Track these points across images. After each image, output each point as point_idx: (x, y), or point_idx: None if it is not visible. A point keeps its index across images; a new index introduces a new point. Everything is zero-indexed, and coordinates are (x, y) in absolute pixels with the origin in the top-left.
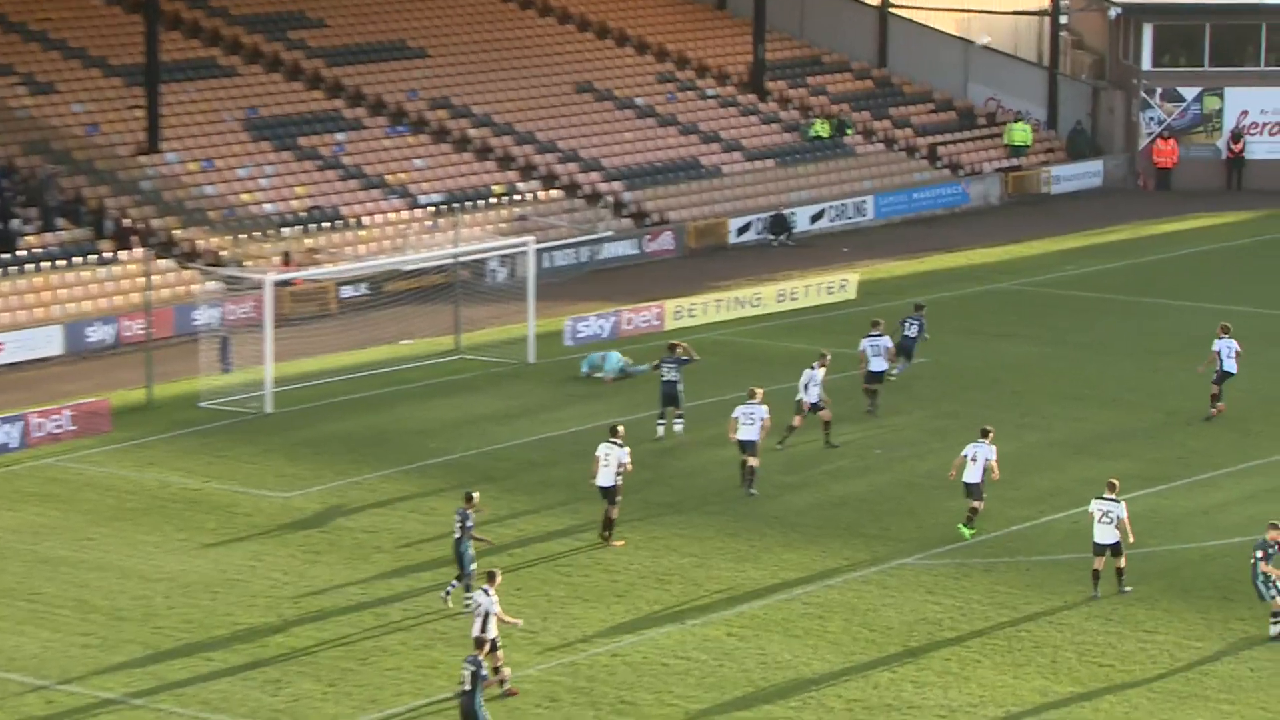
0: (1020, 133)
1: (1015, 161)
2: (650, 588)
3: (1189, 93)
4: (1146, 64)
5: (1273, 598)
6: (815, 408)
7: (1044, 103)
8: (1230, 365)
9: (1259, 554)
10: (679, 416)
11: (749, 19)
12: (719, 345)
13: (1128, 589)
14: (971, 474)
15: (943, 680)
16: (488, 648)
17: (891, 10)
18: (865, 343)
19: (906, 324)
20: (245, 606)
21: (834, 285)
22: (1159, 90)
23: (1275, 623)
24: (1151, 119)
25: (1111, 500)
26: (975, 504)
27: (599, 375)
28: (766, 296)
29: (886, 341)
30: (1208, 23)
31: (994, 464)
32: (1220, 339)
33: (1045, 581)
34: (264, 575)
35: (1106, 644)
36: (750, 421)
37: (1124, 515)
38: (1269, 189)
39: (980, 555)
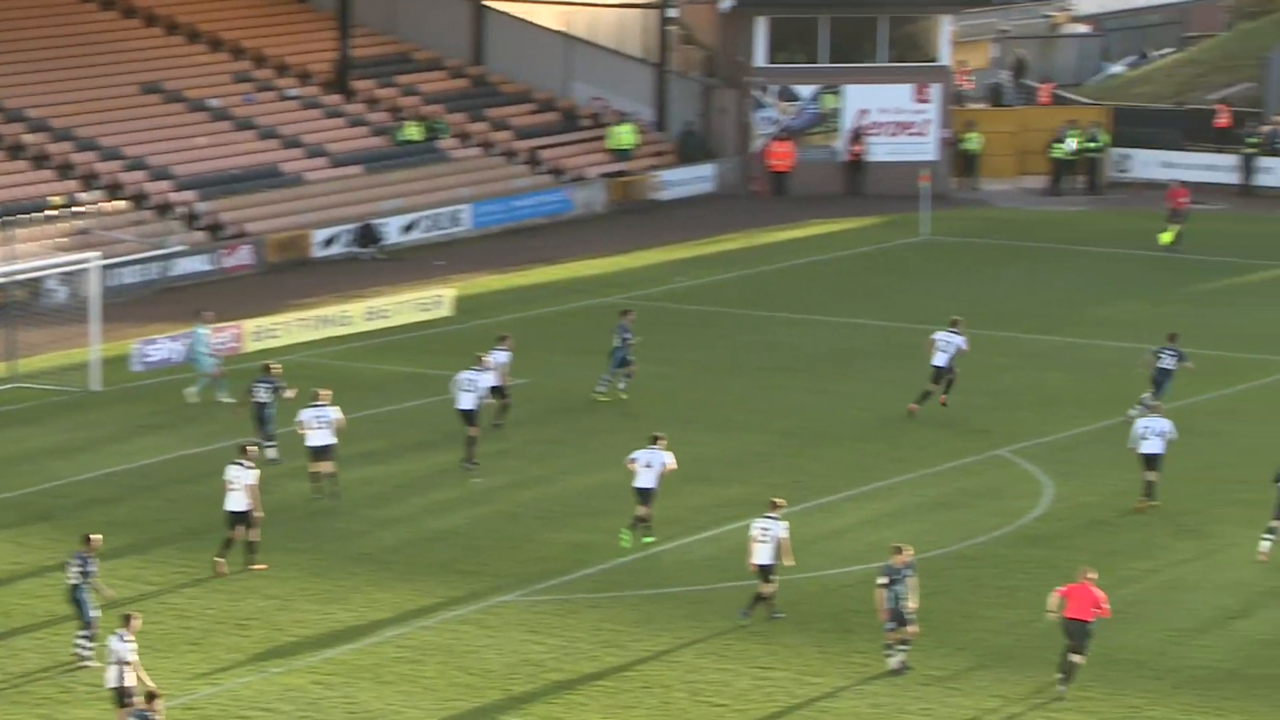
0: (625, 135)
1: (621, 166)
2: (228, 634)
3: (805, 91)
4: (760, 60)
5: (891, 628)
6: (468, 416)
7: (652, 102)
8: (940, 359)
9: (879, 579)
10: (271, 444)
11: (332, 13)
12: (303, 368)
13: (780, 615)
14: (645, 479)
15: None
16: (148, 697)
17: (487, 4)
18: (491, 357)
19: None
20: None
21: (428, 302)
22: (774, 88)
23: (890, 654)
24: (766, 119)
25: (772, 519)
26: (644, 510)
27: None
28: (354, 314)
29: (502, 357)
30: (824, 16)
31: (670, 468)
32: (946, 331)
33: (655, 617)
34: None
35: (720, 682)
36: (320, 425)
37: (783, 535)
38: (891, 193)
39: (585, 590)
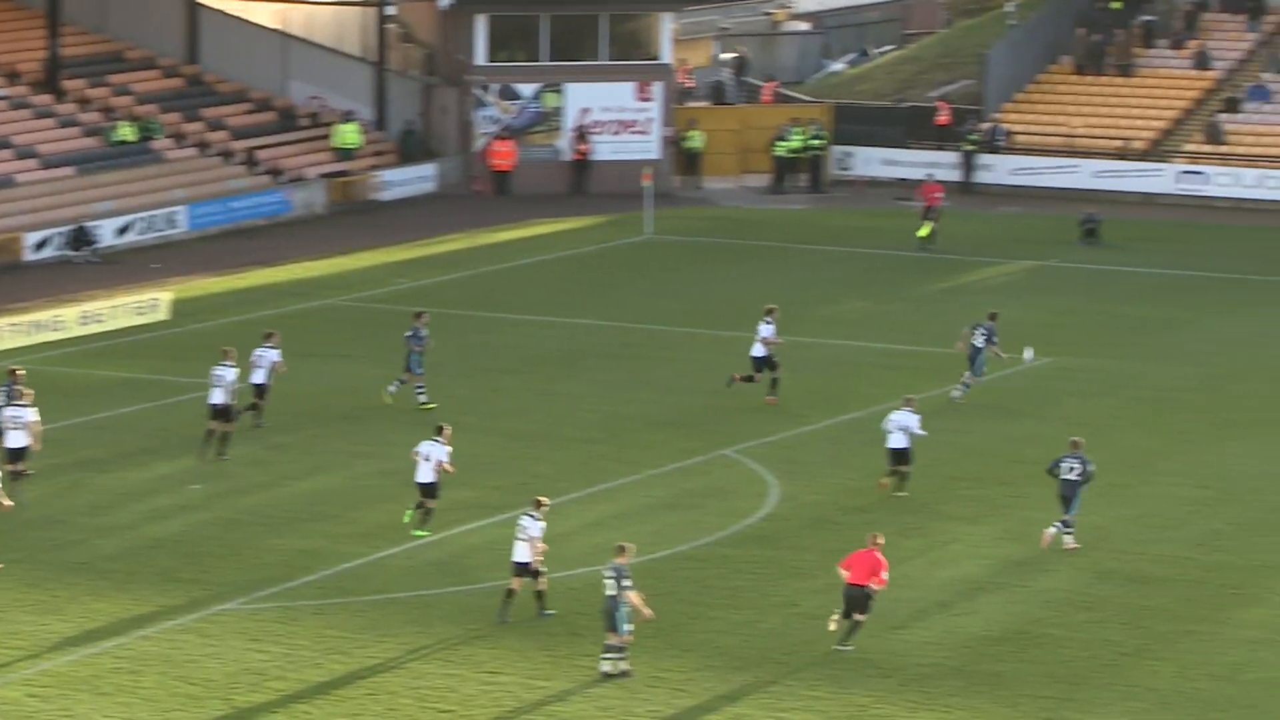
0: (349, 134)
1: (343, 166)
2: None
3: (527, 89)
4: (481, 59)
5: (629, 631)
6: (221, 411)
7: (372, 101)
8: (758, 350)
9: (624, 582)
10: None
11: (41, 10)
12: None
13: (550, 612)
14: (424, 474)
15: None
16: None
17: (201, 1)
18: (257, 354)
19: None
20: None
21: (144, 305)
22: (495, 87)
23: (607, 658)
24: (487, 118)
25: (531, 517)
26: (429, 503)
27: None
28: (68, 319)
29: (273, 355)
30: (545, 14)
31: (446, 464)
32: (762, 322)
33: (380, 623)
34: None
35: (447, 688)
36: (15, 426)
37: (535, 534)
38: (614, 192)
39: (309, 597)
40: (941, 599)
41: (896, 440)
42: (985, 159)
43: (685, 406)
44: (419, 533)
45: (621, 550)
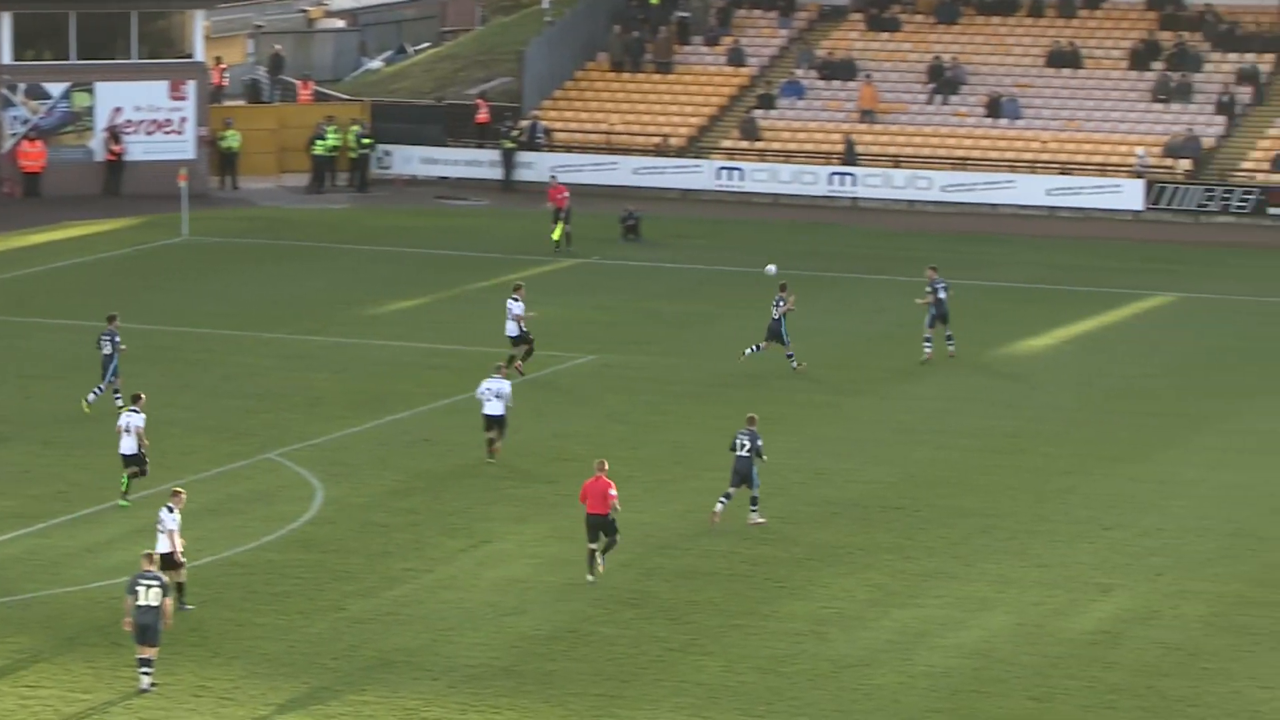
0: None
1: None
2: None
3: (56, 88)
4: (7, 57)
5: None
6: None
7: None
8: (511, 329)
9: (166, 591)
10: None
11: None
12: None
13: (189, 606)
14: (126, 445)
15: None
16: None
17: None
18: None
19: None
20: None
21: None
22: (22, 86)
23: (146, 672)
24: (16, 118)
25: (169, 509)
26: (133, 470)
27: None
28: None
29: None
30: (72, 11)
31: (140, 430)
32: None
33: None
34: None
35: None
36: None
37: (174, 527)
38: (149, 193)
39: None
40: (490, 599)
41: (493, 408)
42: (525, 156)
43: (227, 410)
44: (123, 503)
45: (150, 558)
